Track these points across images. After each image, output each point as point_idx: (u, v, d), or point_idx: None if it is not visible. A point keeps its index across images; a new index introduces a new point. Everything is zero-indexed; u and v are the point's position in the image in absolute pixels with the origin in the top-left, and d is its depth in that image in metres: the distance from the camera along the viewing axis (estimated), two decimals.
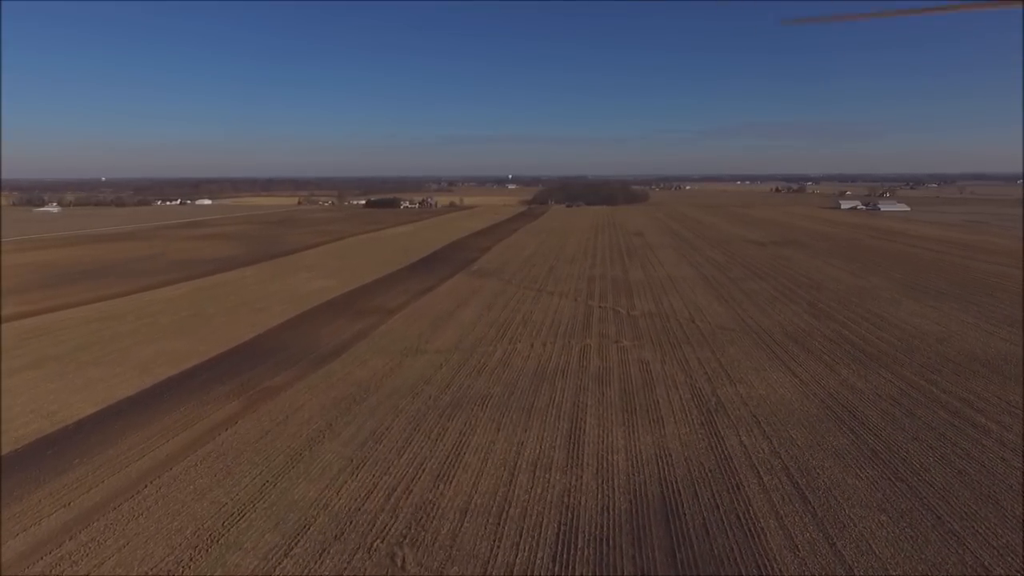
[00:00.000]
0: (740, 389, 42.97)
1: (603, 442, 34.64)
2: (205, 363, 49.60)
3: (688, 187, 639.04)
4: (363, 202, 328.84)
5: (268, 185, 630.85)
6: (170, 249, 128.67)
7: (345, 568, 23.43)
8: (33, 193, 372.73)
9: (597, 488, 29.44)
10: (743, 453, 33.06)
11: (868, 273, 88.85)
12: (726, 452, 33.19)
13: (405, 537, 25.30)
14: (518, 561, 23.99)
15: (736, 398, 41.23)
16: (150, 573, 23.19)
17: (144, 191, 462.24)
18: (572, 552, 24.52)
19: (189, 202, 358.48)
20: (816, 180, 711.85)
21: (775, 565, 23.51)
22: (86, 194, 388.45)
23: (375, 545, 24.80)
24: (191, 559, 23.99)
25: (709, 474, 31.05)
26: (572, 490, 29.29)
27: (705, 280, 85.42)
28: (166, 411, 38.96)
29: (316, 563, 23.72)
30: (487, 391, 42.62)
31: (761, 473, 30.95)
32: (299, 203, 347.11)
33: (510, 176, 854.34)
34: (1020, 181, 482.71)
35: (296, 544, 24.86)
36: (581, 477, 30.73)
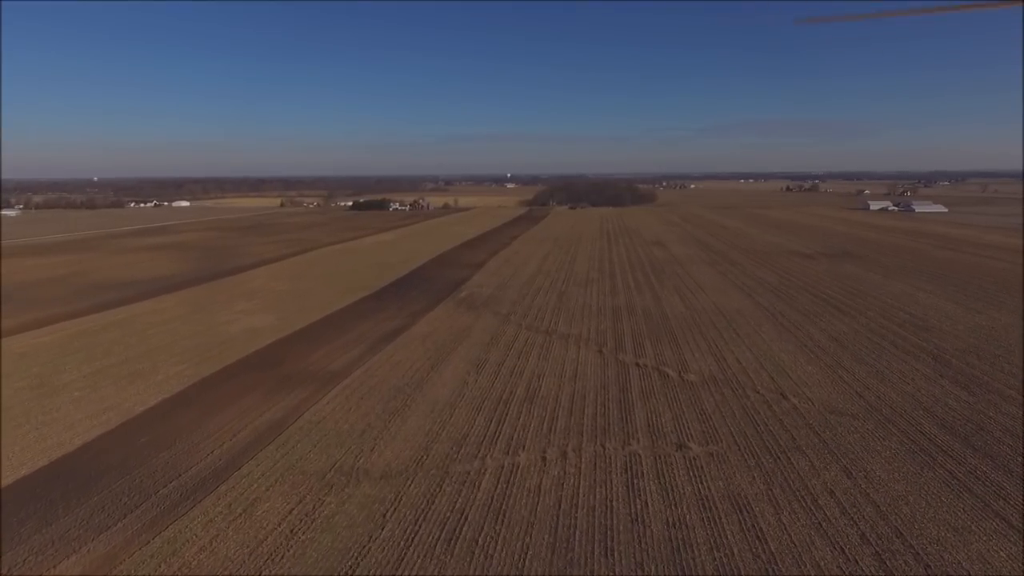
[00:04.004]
0: None
1: None
2: None
3: (693, 186, 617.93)
4: (350, 203, 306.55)
5: (258, 185, 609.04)
6: (98, 265, 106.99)
7: None
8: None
9: None
10: None
11: (979, 303, 67.50)
12: None
13: None
14: None
15: None
16: None
17: (125, 191, 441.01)
18: None
19: (166, 204, 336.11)
20: (821, 178, 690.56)
21: None
22: (58, 195, 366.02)
23: None
24: None
25: None
26: None
27: (768, 315, 63.98)
28: None
29: None
30: None
31: None
32: (282, 205, 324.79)
33: (508, 175, 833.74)
34: None
35: None
36: None
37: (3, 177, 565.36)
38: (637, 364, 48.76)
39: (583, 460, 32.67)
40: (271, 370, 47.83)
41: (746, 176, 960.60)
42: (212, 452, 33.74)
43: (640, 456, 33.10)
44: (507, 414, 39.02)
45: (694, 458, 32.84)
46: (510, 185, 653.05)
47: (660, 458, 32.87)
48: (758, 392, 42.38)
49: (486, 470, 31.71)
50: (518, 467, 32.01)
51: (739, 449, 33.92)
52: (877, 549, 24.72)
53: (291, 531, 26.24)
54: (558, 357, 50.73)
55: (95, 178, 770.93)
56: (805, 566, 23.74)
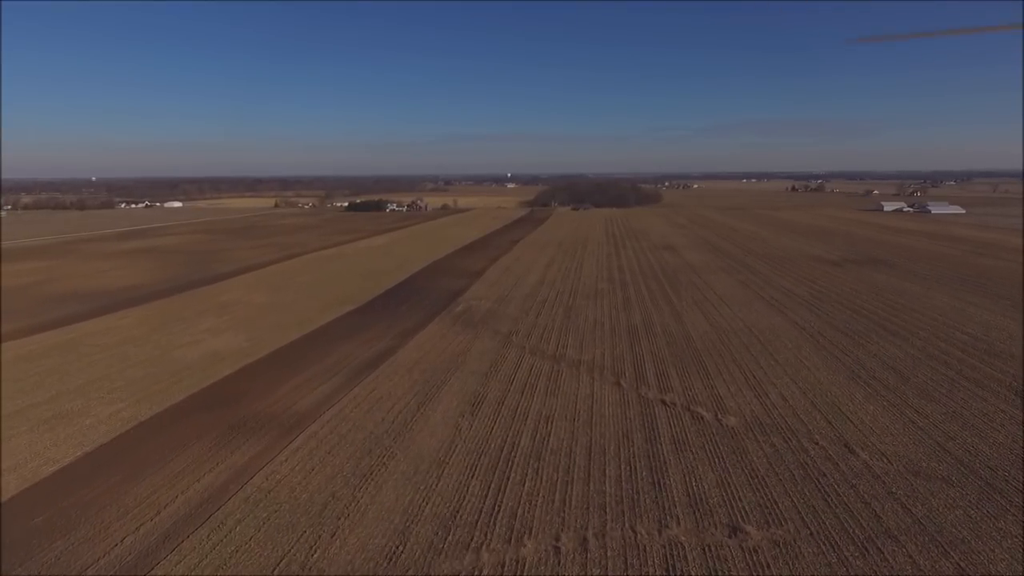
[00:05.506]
0: None
1: None
2: None
3: (696, 186, 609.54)
4: (345, 204, 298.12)
5: (254, 185, 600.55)
6: (66, 273, 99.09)
7: None
8: None
9: None
10: None
11: None
12: None
13: None
14: None
15: None
16: None
17: (119, 191, 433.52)
18: None
19: (158, 204, 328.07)
20: (824, 178, 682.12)
21: None
22: (48, 196, 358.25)
23: None
24: None
25: None
26: None
27: (807, 336, 56.08)
28: None
29: None
30: None
31: None
32: (276, 205, 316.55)
33: (509, 175, 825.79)
34: None
35: None
36: None
37: (3, 177, 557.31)
38: (663, 402, 40.88)
39: (609, 554, 24.79)
40: (225, 410, 39.92)
41: (748, 176, 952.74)
42: (122, 540, 25.85)
43: (683, 546, 25.22)
44: (509, 477, 31.15)
45: (755, 549, 24.98)
46: (510, 185, 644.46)
47: (710, 550, 25.00)
48: (817, 443, 34.51)
49: (481, 571, 23.84)
50: (524, 565, 24.15)
51: (811, 534, 26.07)
52: None
53: None
54: (569, 392, 42.84)
55: (93, 178, 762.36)
56: None
